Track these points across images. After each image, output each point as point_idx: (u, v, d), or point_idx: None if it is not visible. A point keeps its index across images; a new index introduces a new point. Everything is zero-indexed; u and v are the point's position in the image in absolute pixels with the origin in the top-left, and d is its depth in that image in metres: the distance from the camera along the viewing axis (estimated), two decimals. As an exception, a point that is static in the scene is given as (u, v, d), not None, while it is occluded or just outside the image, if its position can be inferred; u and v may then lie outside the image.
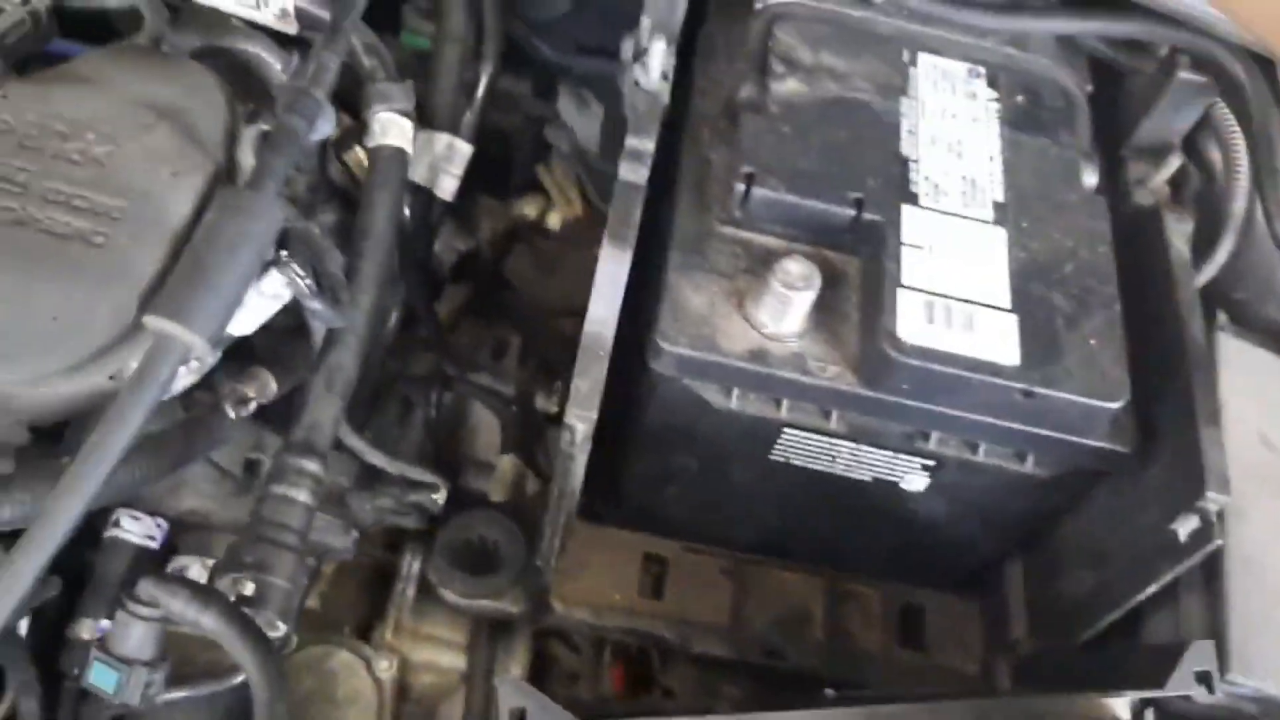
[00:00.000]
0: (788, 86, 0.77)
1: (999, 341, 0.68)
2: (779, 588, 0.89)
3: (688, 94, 0.81)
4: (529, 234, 1.24)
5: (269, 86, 0.77)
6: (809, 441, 0.75)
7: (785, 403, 0.72)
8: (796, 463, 0.77)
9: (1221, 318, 0.77)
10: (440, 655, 0.93)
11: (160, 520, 0.78)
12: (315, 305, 0.67)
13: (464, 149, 0.88)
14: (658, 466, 0.82)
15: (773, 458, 0.76)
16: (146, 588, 0.60)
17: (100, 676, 0.59)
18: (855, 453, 0.75)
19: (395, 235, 0.77)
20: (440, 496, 0.81)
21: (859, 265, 0.73)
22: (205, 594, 0.59)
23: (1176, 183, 0.82)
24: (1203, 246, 0.79)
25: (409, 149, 0.79)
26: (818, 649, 0.87)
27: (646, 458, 0.82)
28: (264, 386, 0.72)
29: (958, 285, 0.69)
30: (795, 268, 0.68)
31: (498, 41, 0.93)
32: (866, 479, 0.78)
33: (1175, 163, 0.81)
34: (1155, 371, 0.72)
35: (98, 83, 0.66)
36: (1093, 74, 0.84)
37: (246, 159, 0.68)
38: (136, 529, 0.77)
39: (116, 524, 0.76)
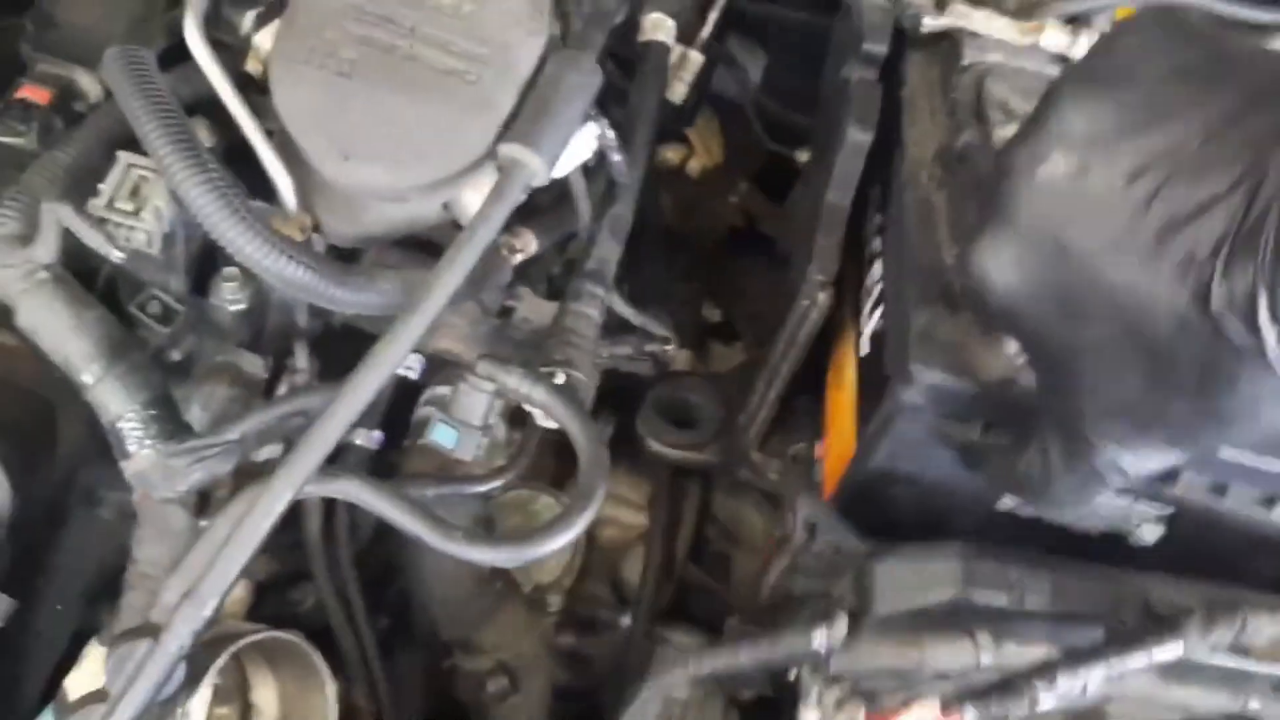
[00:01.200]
0: (1008, 133, 0.73)
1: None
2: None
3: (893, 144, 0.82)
4: (669, 179, 1.37)
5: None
6: None
7: None
8: (1024, 512, 0.73)
9: None
10: (623, 513, 1.06)
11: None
12: (616, 158, 0.80)
13: (696, 58, 1.01)
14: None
15: (1000, 505, 0.73)
16: (485, 366, 0.72)
17: (442, 434, 0.72)
18: None
19: (658, 117, 0.90)
20: (672, 349, 0.94)
21: None
22: (535, 374, 0.72)
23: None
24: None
25: (672, 46, 0.92)
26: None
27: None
28: (528, 242, 0.85)
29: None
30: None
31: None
32: (1094, 530, 0.73)
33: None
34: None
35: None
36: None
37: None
38: (404, 360, 0.90)
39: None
